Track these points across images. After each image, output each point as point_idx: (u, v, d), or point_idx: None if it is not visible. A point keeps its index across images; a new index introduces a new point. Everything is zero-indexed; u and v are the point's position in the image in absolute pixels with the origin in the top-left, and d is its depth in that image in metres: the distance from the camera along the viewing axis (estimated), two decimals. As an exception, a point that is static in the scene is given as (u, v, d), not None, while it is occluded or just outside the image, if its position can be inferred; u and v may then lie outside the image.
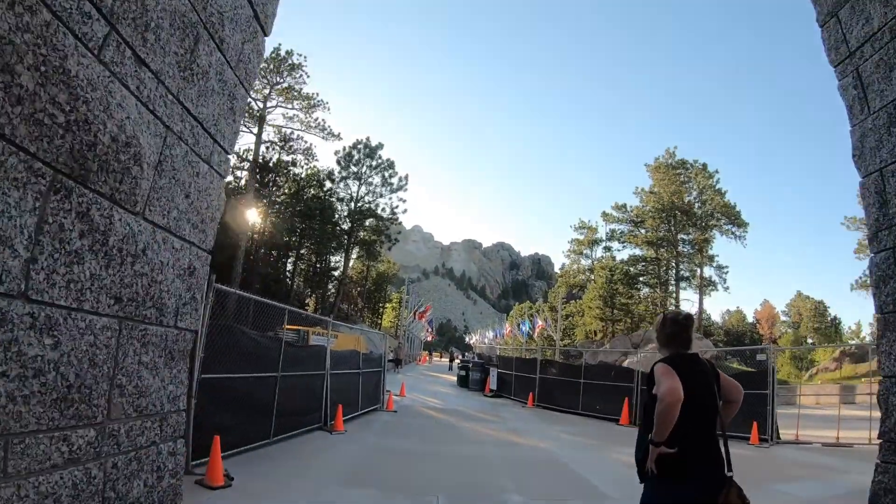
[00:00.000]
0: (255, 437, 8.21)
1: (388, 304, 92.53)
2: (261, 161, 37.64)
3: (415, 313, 54.80)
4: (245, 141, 37.08)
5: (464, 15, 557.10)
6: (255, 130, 36.47)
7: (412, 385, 25.91)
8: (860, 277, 46.49)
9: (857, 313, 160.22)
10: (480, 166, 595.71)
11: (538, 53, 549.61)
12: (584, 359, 40.25)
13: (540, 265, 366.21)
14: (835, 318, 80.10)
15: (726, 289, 51.31)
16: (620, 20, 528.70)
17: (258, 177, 38.35)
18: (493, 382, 23.85)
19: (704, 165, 52.08)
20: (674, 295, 49.24)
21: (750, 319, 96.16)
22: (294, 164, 39.96)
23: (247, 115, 36.37)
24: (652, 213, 49.12)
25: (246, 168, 37.44)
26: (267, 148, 39.03)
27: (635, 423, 16.54)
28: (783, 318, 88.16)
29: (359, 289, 69.85)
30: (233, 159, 41.40)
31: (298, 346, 10.40)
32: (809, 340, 73.30)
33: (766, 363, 17.74)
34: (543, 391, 20.31)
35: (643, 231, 49.57)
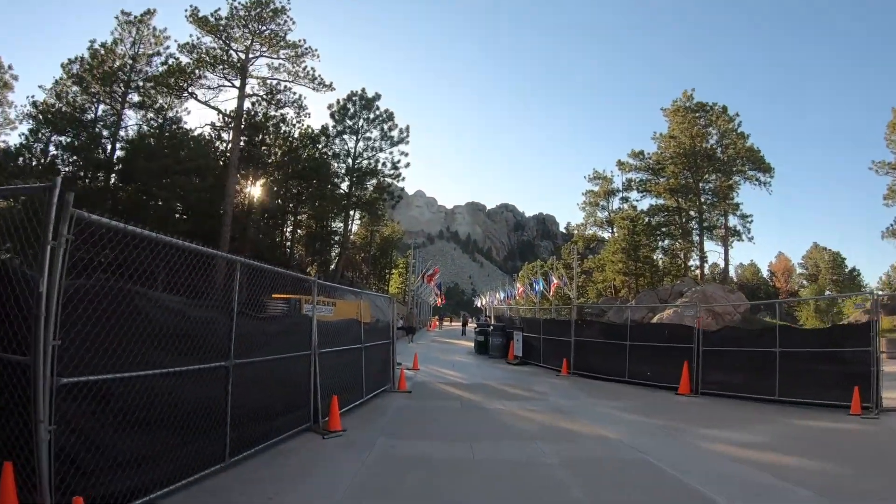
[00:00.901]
0: (198, 464, 5.27)
1: (394, 270, 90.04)
2: (245, 117, 34.08)
3: (423, 276, 51.92)
4: (226, 96, 33.67)
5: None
6: (238, 83, 32.94)
7: (426, 355, 23.21)
8: (891, 225, 43.52)
9: (880, 263, 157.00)
10: (482, 126, 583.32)
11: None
12: (608, 317, 37.60)
13: (545, 224, 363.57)
14: (853, 269, 77.67)
15: (751, 238, 48.10)
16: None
17: (246, 136, 34.98)
18: (517, 348, 21.01)
19: (725, 108, 48.27)
20: (697, 246, 46.06)
21: (764, 273, 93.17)
22: (284, 120, 36.44)
23: (227, 66, 32.86)
24: (673, 159, 45.44)
25: (230, 126, 33.85)
26: (253, 104, 35.54)
27: (696, 392, 13.76)
28: (799, 270, 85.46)
29: (363, 255, 67.17)
30: (216, 118, 38.13)
31: (265, 319, 7.32)
32: (827, 293, 70.39)
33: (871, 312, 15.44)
34: (580, 356, 17.44)
35: (663, 179, 46.05)
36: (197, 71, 31.93)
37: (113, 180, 33.94)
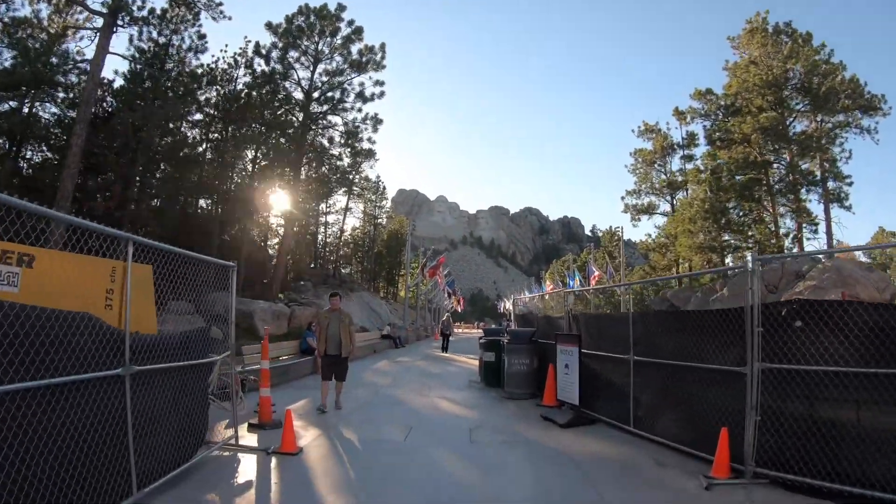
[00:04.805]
0: None
1: (402, 272, 78.40)
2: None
3: (422, 269, 39.85)
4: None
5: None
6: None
7: (384, 390, 11.73)
8: None
9: None
10: (504, 128, 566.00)
11: None
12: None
13: (570, 228, 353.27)
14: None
15: (849, 208, 35.16)
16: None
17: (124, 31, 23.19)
18: (565, 382, 8.90)
19: (808, 35, 35.88)
20: (793, 208, 32.83)
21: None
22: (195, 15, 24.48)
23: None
24: (759, 89, 32.69)
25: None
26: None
27: None
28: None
29: (350, 249, 55.84)
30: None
31: None
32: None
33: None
34: (780, 422, 5.37)
35: (748, 117, 33.00)
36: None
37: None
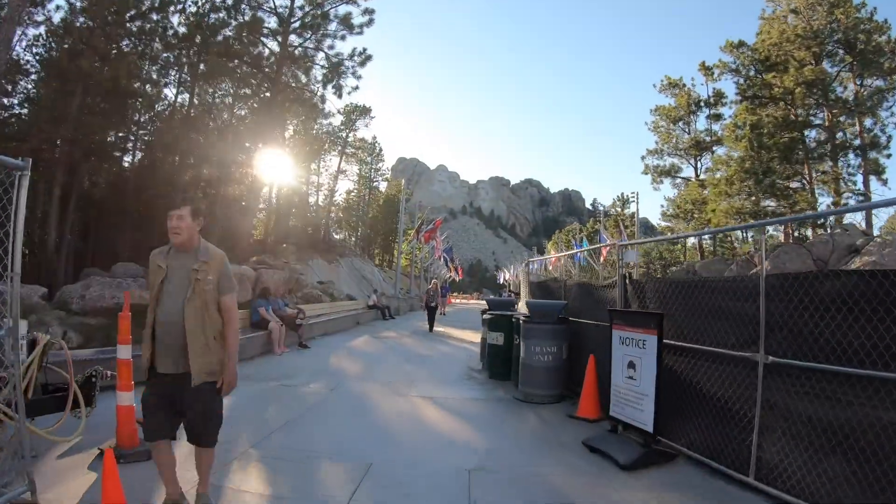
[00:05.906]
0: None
1: (395, 240, 74.96)
2: None
3: (417, 232, 36.36)
4: None
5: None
6: None
7: (357, 375, 9.20)
8: None
9: None
10: (506, 99, 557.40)
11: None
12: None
13: (571, 201, 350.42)
14: None
15: (885, 181, 31.75)
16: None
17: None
18: (624, 392, 5.65)
19: None
20: (833, 175, 29.29)
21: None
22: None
23: None
24: (801, 40, 28.98)
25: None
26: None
27: None
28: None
29: (343, 213, 52.47)
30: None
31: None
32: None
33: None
34: None
35: (791, 70, 29.21)
36: None
37: None
